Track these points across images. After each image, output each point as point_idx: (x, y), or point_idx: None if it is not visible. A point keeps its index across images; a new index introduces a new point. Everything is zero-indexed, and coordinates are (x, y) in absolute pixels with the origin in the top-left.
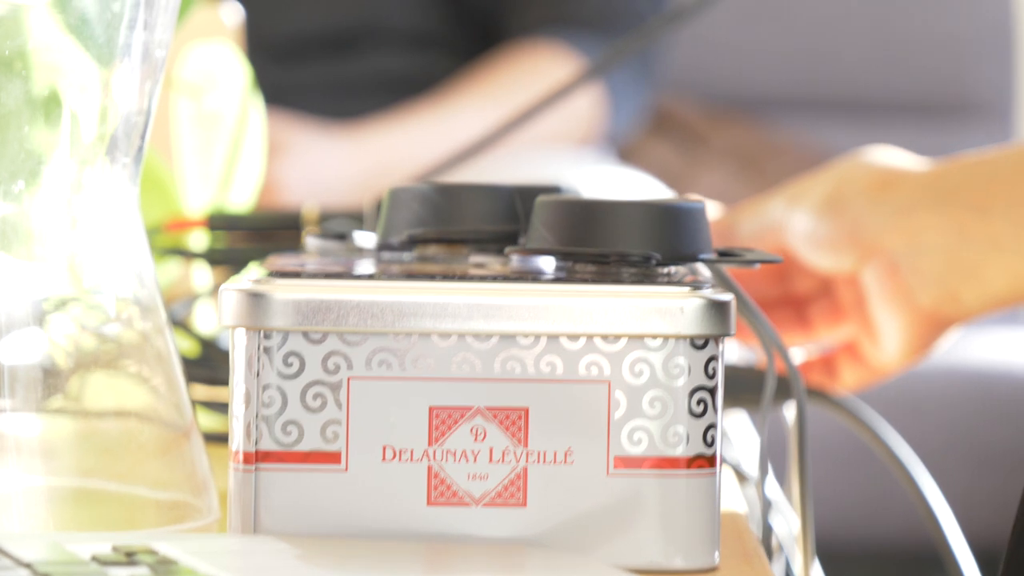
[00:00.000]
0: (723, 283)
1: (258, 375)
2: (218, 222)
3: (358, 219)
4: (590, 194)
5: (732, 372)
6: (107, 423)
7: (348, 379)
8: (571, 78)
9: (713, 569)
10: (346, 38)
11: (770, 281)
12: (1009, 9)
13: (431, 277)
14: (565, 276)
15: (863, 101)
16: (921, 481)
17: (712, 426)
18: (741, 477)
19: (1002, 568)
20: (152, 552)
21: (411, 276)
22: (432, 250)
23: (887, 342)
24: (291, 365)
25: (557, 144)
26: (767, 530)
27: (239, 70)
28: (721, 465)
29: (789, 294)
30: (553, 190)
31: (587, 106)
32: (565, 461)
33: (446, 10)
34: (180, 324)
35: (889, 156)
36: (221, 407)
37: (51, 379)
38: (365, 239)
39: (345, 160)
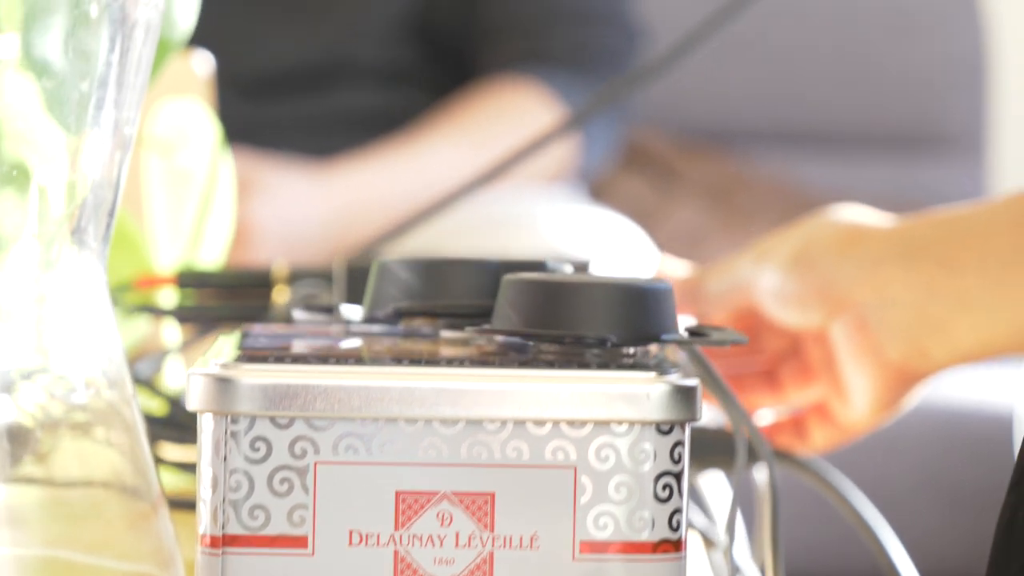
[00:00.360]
0: (693, 358)
1: (225, 459)
2: (188, 279)
3: (327, 278)
4: (558, 274)
5: (702, 435)
6: (74, 492)
7: (315, 464)
8: (551, 127)
9: None
10: (318, 75)
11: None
12: (980, 43)
13: (398, 361)
14: (531, 359)
15: (835, 134)
16: (887, 542)
17: (677, 511)
18: (709, 543)
19: None
20: None
21: (377, 361)
22: (419, 323)
23: (856, 399)
24: (258, 450)
25: (529, 181)
26: None
27: (209, 127)
28: (686, 549)
29: (758, 355)
30: (539, 266)
31: (559, 142)
32: (531, 546)
33: (419, 46)
34: (147, 383)
35: (857, 213)
36: (190, 467)
37: (18, 446)
38: (351, 312)
39: (318, 199)
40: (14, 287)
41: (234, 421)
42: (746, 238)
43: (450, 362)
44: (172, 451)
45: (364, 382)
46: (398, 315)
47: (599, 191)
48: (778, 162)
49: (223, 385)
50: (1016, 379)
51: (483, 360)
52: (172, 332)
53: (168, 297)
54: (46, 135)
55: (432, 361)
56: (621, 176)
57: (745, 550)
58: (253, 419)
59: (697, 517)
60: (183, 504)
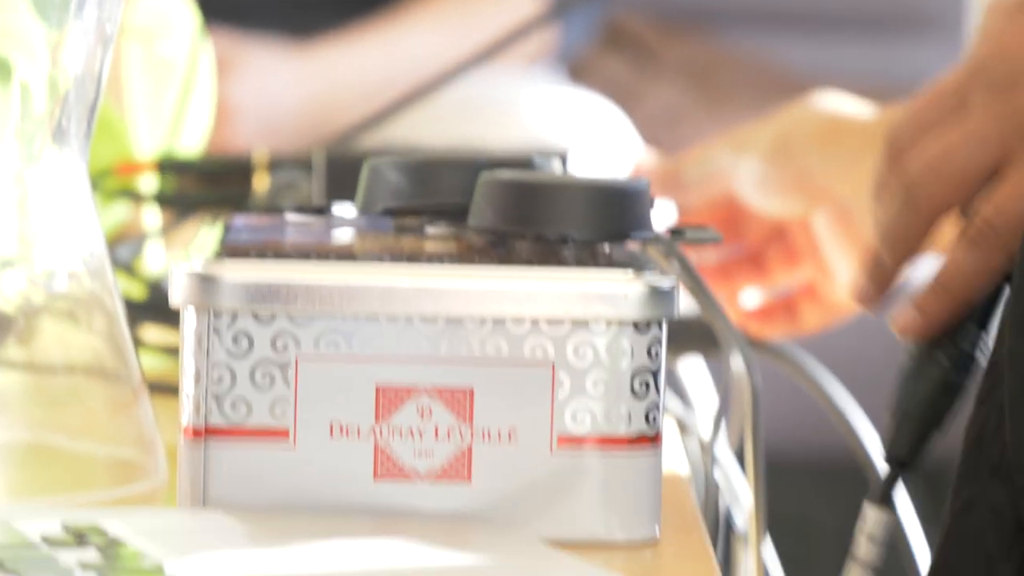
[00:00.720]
0: (670, 255)
1: (208, 354)
2: (168, 165)
3: (307, 166)
4: (531, 173)
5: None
6: (55, 378)
7: (296, 358)
8: (533, 12)
9: (653, 542)
10: None
11: (722, 229)
12: None
13: (379, 258)
14: (511, 257)
15: (815, 14)
16: (858, 426)
17: (654, 406)
18: (684, 429)
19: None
20: (101, 532)
21: (358, 257)
22: (410, 220)
23: (844, 280)
24: (240, 344)
25: (506, 62)
26: (713, 487)
27: (189, 14)
28: (662, 443)
29: (742, 240)
30: (526, 163)
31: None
32: (510, 440)
33: None
34: (127, 267)
35: (836, 101)
36: (171, 351)
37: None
38: (343, 212)
39: (296, 79)
40: (5, 182)
41: (217, 316)
42: (725, 119)
43: (431, 259)
44: (153, 334)
45: (345, 279)
46: (388, 214)
47: (578, 72)
48: (758, 42)
49: (206, 281)
50: None
51: (464, 258)
52: (152, 217)
53: (149, 183)
54: (28, 30)
55: (413, 258)
56: (600, 57)
57: (723, 440)
58: (235, 314)
59: (673, 403)
60: (164, 389)
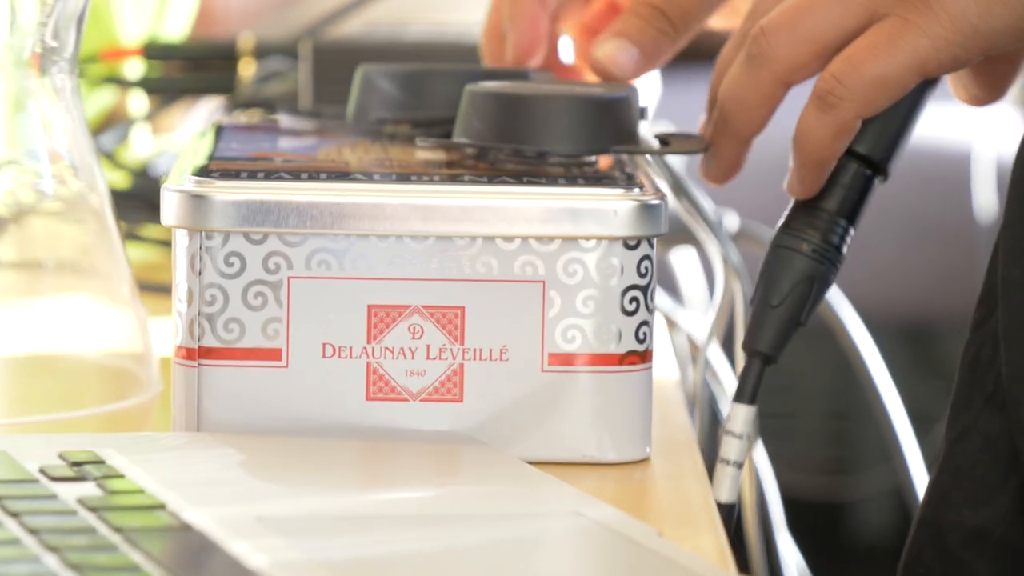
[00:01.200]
0: (658, 166)
1: (200, 274)
2: (154, 51)
3: (293, 54)
4: (514, 84)
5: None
6: (47, 277)
7: (288, 278)
8: None
9: (645, 460)
10: None
11: None
12: None
13: (369, 177)
14: (500, 174)
15: None
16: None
17: (645, 323)
18: (671, 324)
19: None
20: (99, 461)
21: (348, 177)
22: (403, 128)
23: None
24: (232, 265)
25: None
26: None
27: None
28: (652, 360)
29: None
30: (521, 75)
31: None
32: (501, 358)
33: None
34: (110, 156)
35: None
36: (162, 243)
37: None
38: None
39: None
40: None
41: (208, 237)
42: None
43: (421, 177)
44: (140, 227)
45: (336, 198)
46: (380, 123)
47: None
48: None
49: (197, 202)
50: (973, 116)
51: (453, 176)
52: (138, 103)
53: (134, 68)
54: None
55: (403, 177)
56: None
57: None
58: (227, 235)
59: (662, 299)
60: (153, 288)
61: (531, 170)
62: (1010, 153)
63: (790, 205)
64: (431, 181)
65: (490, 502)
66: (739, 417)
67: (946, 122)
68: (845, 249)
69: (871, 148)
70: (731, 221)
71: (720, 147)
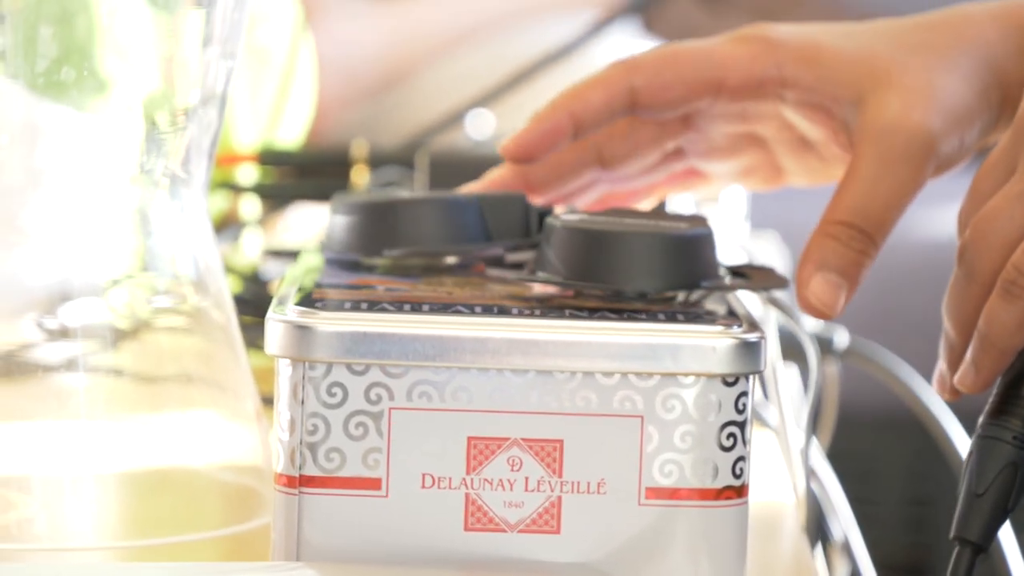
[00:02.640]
0: (759, 297)
1: (303, 403)
2: (268, 157)
3: (406, 164)
4: (597, 219)
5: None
6: (171, 388)
7: (389, 409)
8: None
9: None
10: None
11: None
12: None
13: (471, 309)
14: (600, 309)
15: None
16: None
17: (741, 459)
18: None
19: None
20: None
21: (451, 309)
22: (413, 261)
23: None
24: (335, 395)
25: (574, 6)
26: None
27: (289, 3)
28: (749, 495)
29: None
30: (517, 200)
31: None
32: (599, 491)
33: None
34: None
35: None
36: None
37: (110, 343)
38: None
39: (376, 27)
40: (121, 207)
41: (311, 367)
42: None
43: (522, 312)
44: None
45: (439, 331)
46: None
47: (651, 22)
48: None
49: (301, 332)
50: None
51: (555, 309)
52: (250, 208)
53: (248, 174)
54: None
55: (504, 310)
56: (672, 2)
57: (816, 450)
58: (330, 365)
59: (770, 412)
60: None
61: (629, 307)
62: None
63: (993, 395)
64: (532, 315)
65: None
66: None
67: None
68: None
69: None
70: (841, 338)
71: (979, 363)
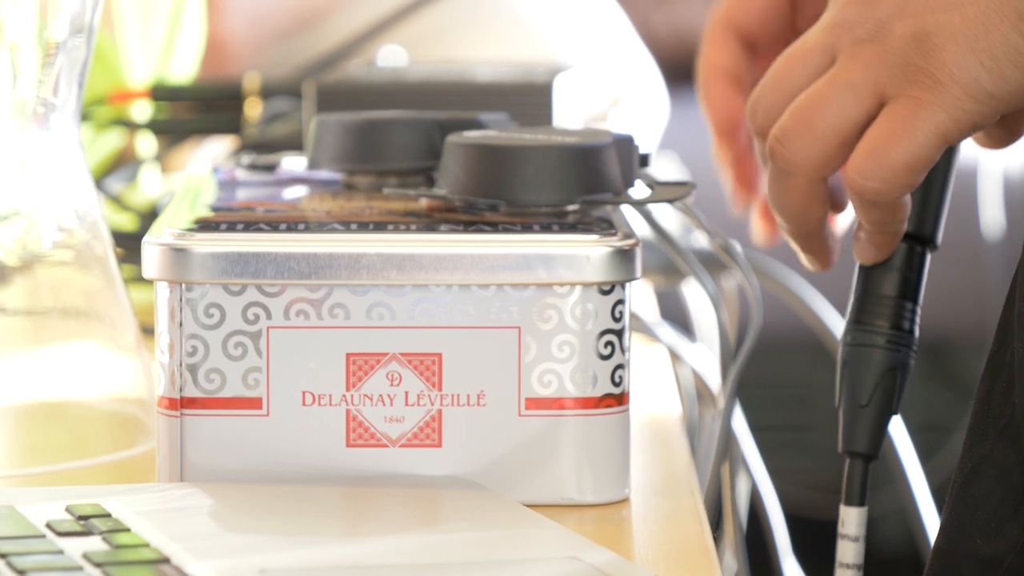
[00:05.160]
0: (641, 214)
1: (181, 325)
2: (161, 93)
3: (297, 96)
4: (498, 137)
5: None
6: (55, 323)
7: (268, 328)
8: None
9: (623, 501)
10: None
11: (778, 16)
12: None
13: (347, 227)
14: (475, 222)
15: None
16: None
17: (620, 366)
18: (676, 358)
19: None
20: (105, 515)
21: (325, 227)
22: (358, 178)
23: None
24: (212, 316)
25: None
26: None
27: None
28: (629, 402)
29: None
30: (473, 123)
31: None
32: (478, 403)
33: None
34: (116, 198)
35: None
36: None
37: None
38: (294, 166)
39: None
40: None
41: (188, 289)
42: None
43: (397, 227)
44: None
45: (313, 249)
46: (339, 172)
47: None
48: None
49: (176, 254)
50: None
51: (430, 225)
52: (146, 144)
53: (142, 110)
54: None
55: (380, 226)
56: None
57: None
58: (207, 287)
59: (666, 332)
60: None
61: (510, 219)
62: (1017, 168)
63: (851, 301)
64: (407, 230)
65: (486, 548)
66: (852, 520)
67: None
68: (917, 330)
69: (917, 226)
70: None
71: (802, 246)
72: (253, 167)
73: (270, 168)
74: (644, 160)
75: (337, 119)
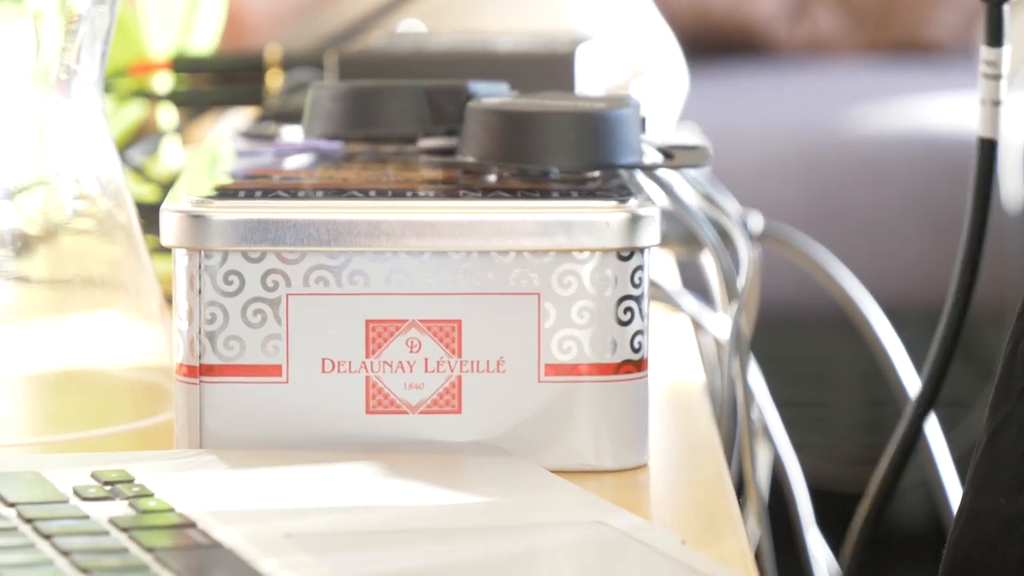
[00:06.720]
0: (656, 182)
1: (200, 293)
2: (182, 64)
3: (318, 67)
4: (519, 103)
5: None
6: (77, 292)
7: (287, 295)
8: None
9: (642, 466)
10: None
11: None
12: None
13: (365, 194)
14: (494, 188)
15: None
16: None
17: (639, 332)
18: (698, 326)
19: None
20: (130, 480)
21: (345, 193)
22: (353, 146)
23: None
24: (231, 283)
25: None
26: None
27: None
28: (648, 369)
29: None
30: (459, 90)
31: None
32: (498, 369)
33: None
34: (139, 169)
35: None
36: None
37: (20, 248)
38: (294, 135)
39: None
40: (17, 112)
41: (207, 256)
42: None
43: (416, 194)
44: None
45: (332, 216)
46: (330, 139)
47: None
48: None
49: (196, 222)
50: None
51: (449, 192)
52: (168, 116)
53: (163, 82)
54: None
55: (399, 193)
56: None
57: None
58: (226, 254)
59: (689, 302)
60: None
61: (531, 186)
62: None
63: None
64: (426, 197)
65: (511, 512)
66: (991, 59)
67: (971, 111)
68: None
69: None
70: (755, 222)
71: None
72: (249, 136)
73: (268, 138)
74: (642, 126)
75: (329, 89)
